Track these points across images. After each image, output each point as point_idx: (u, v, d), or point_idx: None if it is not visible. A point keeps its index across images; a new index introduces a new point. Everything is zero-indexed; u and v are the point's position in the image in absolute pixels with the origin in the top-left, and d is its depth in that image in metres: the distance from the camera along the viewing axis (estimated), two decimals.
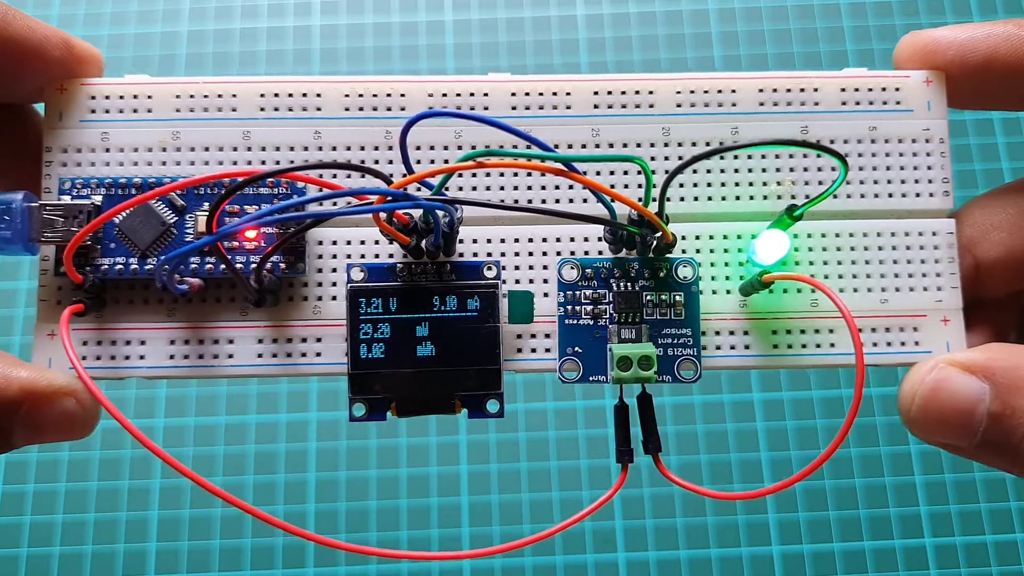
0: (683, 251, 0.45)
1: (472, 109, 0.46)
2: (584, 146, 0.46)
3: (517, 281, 0.44)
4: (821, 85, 0.45)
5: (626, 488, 0.85)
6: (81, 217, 0.43)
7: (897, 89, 0.47)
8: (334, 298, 0.44)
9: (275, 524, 0.39)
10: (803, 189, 0.45)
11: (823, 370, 0.89)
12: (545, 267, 0.45)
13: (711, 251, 0.45)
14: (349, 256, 0.44)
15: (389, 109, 0.46)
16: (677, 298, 0.43)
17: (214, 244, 0.39)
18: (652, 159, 0.42)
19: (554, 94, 0.46)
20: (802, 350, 0.44)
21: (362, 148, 0.45)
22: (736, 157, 0.46)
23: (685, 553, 0.84)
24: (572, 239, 0.45)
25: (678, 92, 0.46)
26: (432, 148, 0.45)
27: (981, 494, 0.85)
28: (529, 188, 0.45)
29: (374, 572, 0.83)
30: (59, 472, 0.86)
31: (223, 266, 0.42)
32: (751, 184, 0.46)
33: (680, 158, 0.46)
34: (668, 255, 0.44)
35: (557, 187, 0.46)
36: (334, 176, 0.45)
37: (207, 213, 0.39)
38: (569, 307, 0.43)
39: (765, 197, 0.46)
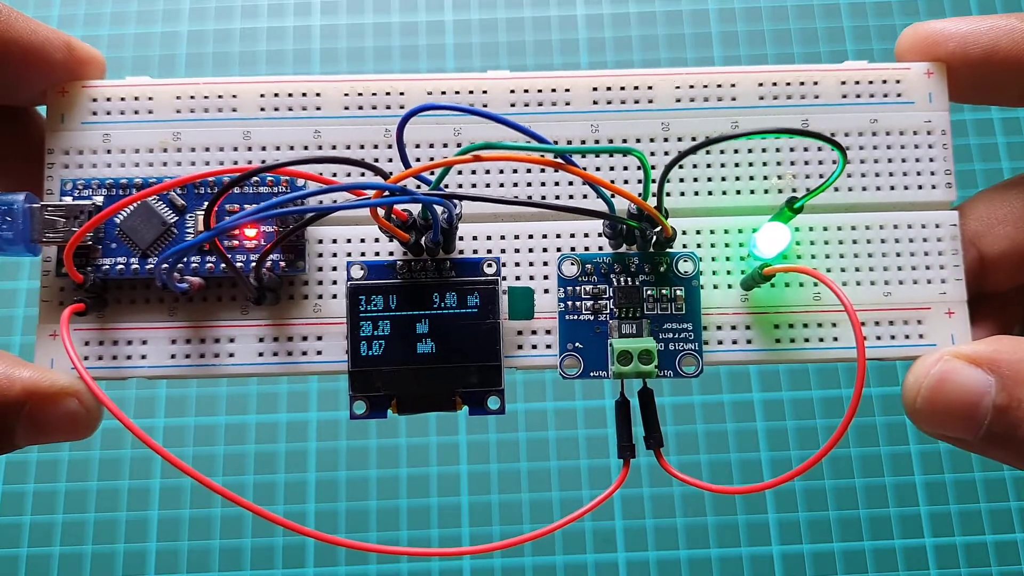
0: (683, 245, 0.45)
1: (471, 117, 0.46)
2: (584, 141, 0.46)
3: (517, 278, 0.44)
4: (821, 78, 0.45)
5: (626, 488, 0.85)
6: (82, 217, 0.43)
7: (898, 81, 0.46)
8: (334, 296, 0.44)
9: (304, 532, 0.39)
10: (803, 183, 0.45)
11: (824, 370, 0.89)
12: (545, 263, 0.45)
13: (712, 245, 0.45)
14: (349, 255, 0.44)
15: (388, 108, 0.46)
16: (678, 292, 0.43)
17: (213, 241, 0.39)
18: (652, 154, 0.42)
19: (553, 90, 0.46)
20: (804, 344, 0.44)
21: (362, 147, 0.45)
22: (736, 151, 0.46)
23: (685, 553, 0.84)
24: (572, 235, 0.45)
25: (677, 87, 0.46)
26: (431, 146, 0.45)
27: (981, 494, 0.85)
28: (528, 184, 0.45)
29: (374, 572, 0.83)
30: (59, 472, 0.86)
31: (223, 265, 0.42)
32: (751, 178, 0.46)
33: (680, 153, 0.46)
34: (668, 250, 0.44)
35: (557, 183, 0.46)
36: (334, 174, 0.44)
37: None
38: (569, 303, 0.43)
39: (766, 191, 0.46)
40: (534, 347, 0.44)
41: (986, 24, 0.45)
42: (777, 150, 0.46)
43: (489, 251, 0.45)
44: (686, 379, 0.43)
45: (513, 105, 0.46)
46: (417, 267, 0.43)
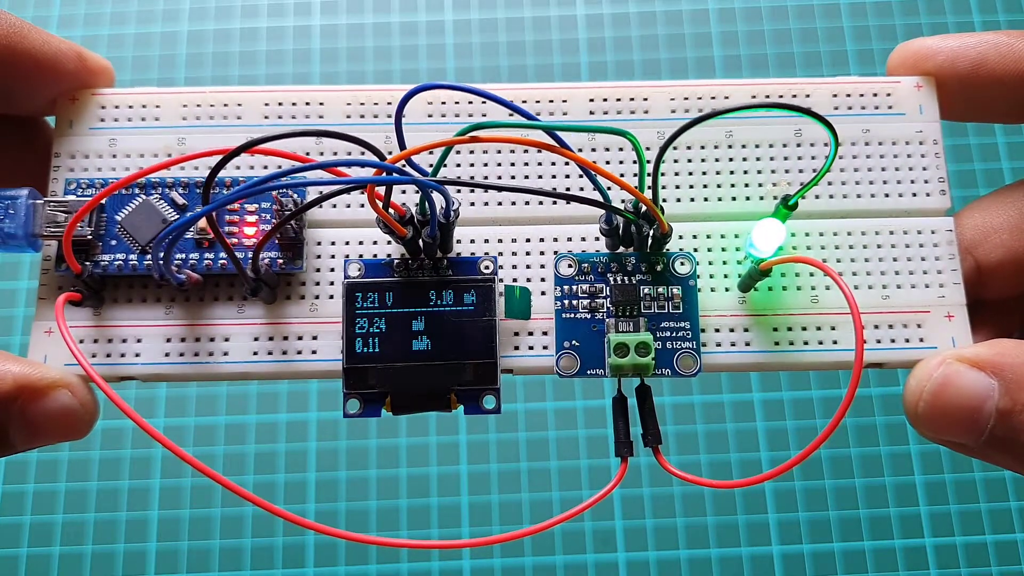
0: (680, 249, 0.45)
1: (470, 117, 0.47)
2: (580, 149, 0.46)
3: (514, 280, 0.44)
4: (813, 90, 0.45)
5: (626, 487, 0.85)
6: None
7: (888, 94, 0.47)
8: (331, 297, 0.44)
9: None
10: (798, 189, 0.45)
11: (824, 371, 0.89)
12: (542, 266, 0.45)
13: (708, 250, 0.45)
14: (347, 256, 0.44)
15: (389, 116, 0.46)
16: (675, 292, 0.43)
17: (210, 219, 0.38)
18: (648, 162, 0.42)
19: (551, 101, 0.47)
20: (804, 346, 0.44)
21: (363, 153, 0.45)
22: (731, 160, 0.46)
23: (685, 553, 0.84)
24: (569, 239, 0.45)
25: (672, 99, 0.47)
26: (431, 153, 0.45)
27: (981, 494, 0.85)
28: (526, 177, 0.46)
29: (374, 572, 0.83)
30: (59, 472, 0.86)
31: (222, 254, 0.42)
32: (747, 185, 0.46)
33: (676, 161, 0.46)
34: (665, 250, 0.44)
35: (555, 188, 0.46)
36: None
37: (211, 230, 0.39)
38: (566, 301, 0.43)
39: (761, 198, 0.46)
40: (531, 348, 0.44)
41: (974, 39, 0.46)
42: (771, 159, 0.46)
43: (487, 253, 0.45)
44: (685, 379, 0.43)
45: (511, 115, 0.46)
46: (414, 266, 0.43)
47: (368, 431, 0.87)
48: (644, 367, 0.42)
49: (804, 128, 0.47)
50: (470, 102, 0.47)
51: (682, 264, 0.44)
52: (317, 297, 0.44)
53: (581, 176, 0.46)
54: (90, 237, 0.43)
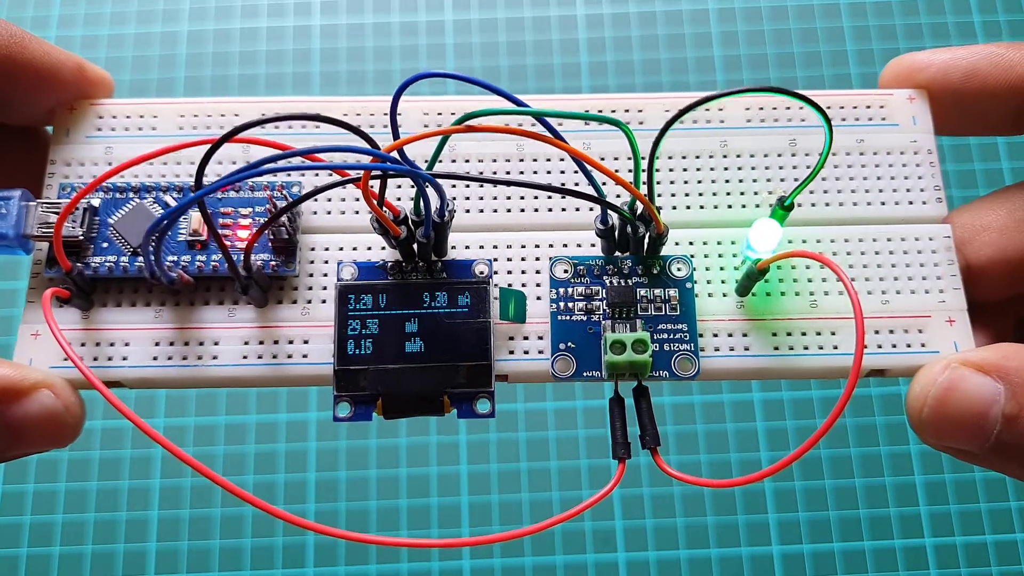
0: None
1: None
2: (575, 171, 0.46)
3: (509, 285, 0.44)
4: (806, 105, 0.45)
5: (626, 487, 0.85)
6: (76, 213, 0.43)
7: (881, 106, 0.47)
8: (324, 301, 0.44)
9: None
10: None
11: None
12: (537, 272, 0.44)
13: (705, 256, 0.45)
14: (341, 262, 0.44)
15: (386, 127, 0.46)
16: (672, 294, 0.43)
17: (201, 207, 0.38)
18: (643, 171, 0.42)
19: None
20: (804, 351, 0.43)
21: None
22: (727, 168, 0.46)
23: (685, 553, 0.84)
24: (564, 245, 0.45)
25: (667, 111, 0.47)
26: (426, 161, 0.45)
27: (981, 494, 0.85)
28: (522, 198, 0.46)
29: (374, 572, 0.83)
30: (59, 472, 0.86)
31: (214, 256, 0.42)
32: (742, 194, 0.46)
33: (671, 170, 0.46)
34: (661, 253, 0.44)
35: (550, 196, 0.46)
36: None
37: (202, 216, 0.39)
38: (561, 304, 0.43)
39: (757, 206, 0.46)
40: (525, 352, 0.43)
41: (965, 51, 0.46)
42: (767, 168, 0.47)
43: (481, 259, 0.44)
44: (683, 381, 0.43)
45: (507, 123, 0.46)
46: (408, 269, 0.43)
47: (368, 431, 0.87)
48: (641, 365, 0.41)
49: (799, 138, 0.47)
50: (452, 113, 0.47)
51: (679, 268, 0.43)
52: (309, 301, 0.44)
53: (577, 184, 0.45)
54: (81, 238, 0.43)
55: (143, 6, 1.01)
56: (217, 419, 0.87)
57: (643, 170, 0.40)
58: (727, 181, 0.46)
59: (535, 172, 0.46)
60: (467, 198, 0.46)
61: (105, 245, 0.43)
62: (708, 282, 0.44)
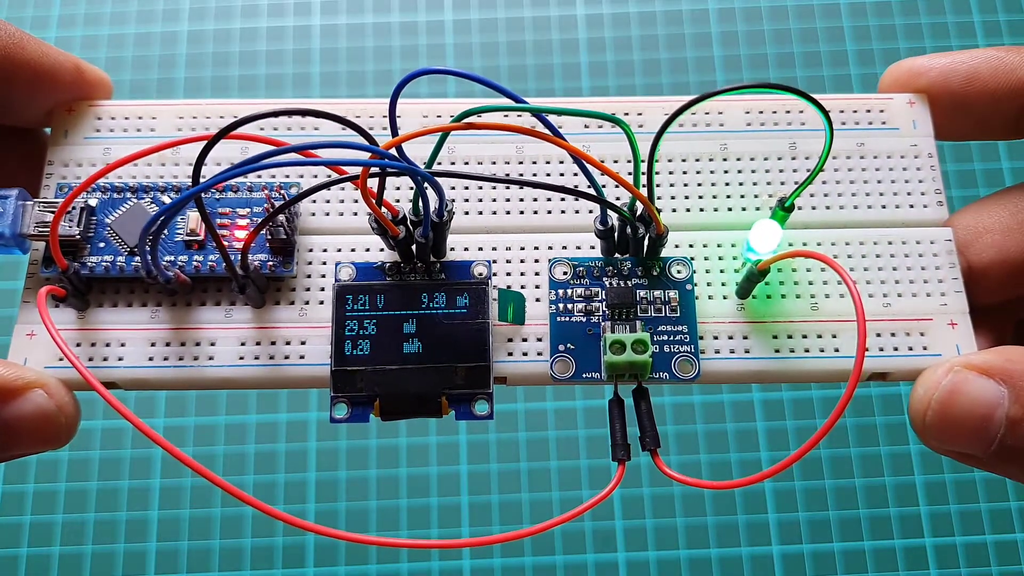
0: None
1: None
2: (576, 174, 0.46)
3: (508, 286, 0.44)
4: (807, 106, 0.45)
5: (626, 488, 0.85)
6: (73, 213, 0.43)
7: (882, 111, 0.47)
8: (321, 302, 0.44)
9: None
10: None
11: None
12: (537, 274, 0.44)
13: (705, 258, 0.45)
14: (339, 262, 0.44)
15: (385, 129, 0.46)
16: (672, 295, 0.43)
17: (198, 202, 0.38)
18: (643, 173, 0.42)
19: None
20: (804, 354, 0.43)
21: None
22: (726, 172, 0.46)
23: (685, 553, 0.84)
24: (564, 247, 0.45)
25: (666, 113, 0.46)
26: (424, 163, 0.45)
27: (981, 494, 0.85)
28: (521, 199, 0.46)
29: (374, 572, 0.83)
30: (59, 472, 0.86)
31: (211, 256, 0.42)
32: (742, 196, 0.46)
33: (671, 173, 0.46)
34: (660, 255, 0.44)
35: (549, 199, 0.46)
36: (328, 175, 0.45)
37: (198, 211, 0.39)
38: (560, 305, 0.43)
39: (757, 208, 0.46)
40: (524, 354, 0.43)
41: (966, 55, 0.46)
42: (767, 171, 0.46)
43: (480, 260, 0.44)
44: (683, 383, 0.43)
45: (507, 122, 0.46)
46: (407, 270, 0.43)
47: (368, 432, 0.87)
48: (641, 366, 0.41)
49: (799, 141, 0.47)
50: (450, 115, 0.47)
51: (678, 269, 0.43)
52: (307, 302, 0.44)
53: (577, 185, 0.45)
54: (78, 237, 0.43)
55: (143, 6, 1.01)
56: (217, 419, 0.87)
57: (643, 172, 0.40)
58: (727, 183, 0.46)
59: (534, 174, 0.46)
60: (466, 199, 0.46)
61: (102, 245, 0.43)
62: (708, 284, 0.44)
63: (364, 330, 0.42)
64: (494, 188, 0.46)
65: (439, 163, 0.45)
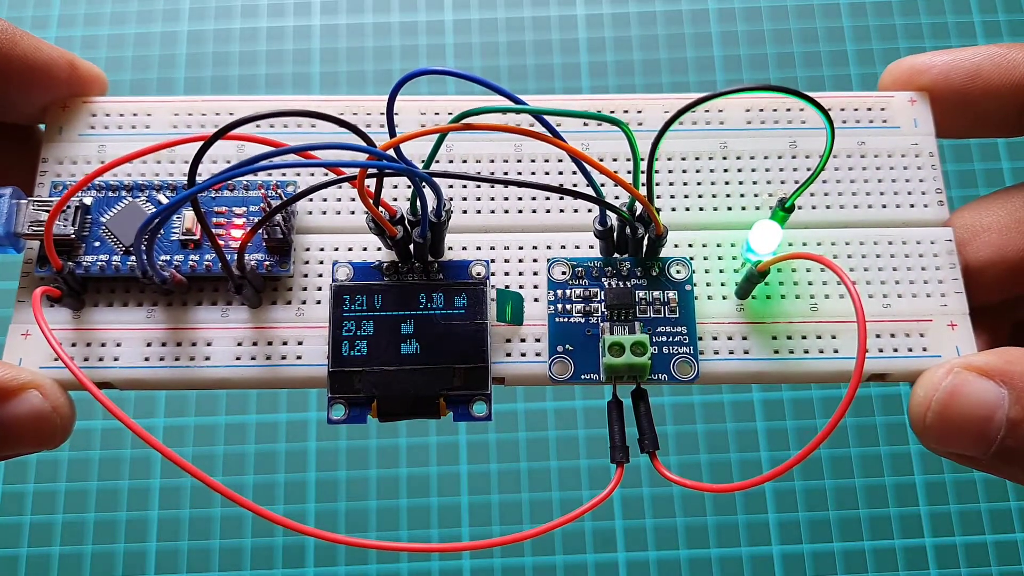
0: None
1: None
2: (574, 173, 0.46)
3: (507, 286, 0.44)
4: (807, 105, 0.45)
5: (626, 488, 0.85)
6: (68, 212, 0.43)
7: (882, 109, 0.47)
8: (318, 302, 0.43)
9: (303, 531, 0.39)
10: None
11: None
12: (535, 273, 0.44)
13: (705, 258, 0.45)
14: (336, 262, 0.44)
15: (383, 127, 0.46)
16: (671, 296, 0.43)
17: (194, 204, 0.38)
18: (642, 172, 0.41)
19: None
20: (804, 355, 0.43)
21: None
22: (726, 171, 0.46)
23: (685, 553, 0.84)
24: (562, 247, 0.45)
25: (666, 112, 0.46)
26: (423, 161, 0.45)
27: (981, 494, 0.85)
28: (520, 199, 0.46)
29: (374, 572, 0.83)
30: (59, 472, 0.86)
31: (207, 256, 0.42)
32: (742, 195, 0.46)
33: (671, 172, 0.46)
34: (660, 255, 0.43)
35: (547, 198, 0.46)
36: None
37: (195, 213, 0.39)
38: (559, 305, 0.43)
39: (757, 208, 0.46)
40: (523, 355, 0.43)
41: (968, 52, 0.46)
42: (767, 170, 0.46)
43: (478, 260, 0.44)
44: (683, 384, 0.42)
45: (506, 122, 0.45)
46: (404, 270, 0.43)
47: (368, 432, 0.87)
48: (640, 368, 0.41)
49: (799, 139, 0.47)
50: (449, 112, 0.47)
51: (678, 270, 0.43)
52: (304, 302, 0.43)
53: (576, 185, 0.45)
54: (73, 236, 0.43)
55: (143, 6, 1.01)
56: (217, 419, 0.87)
57: (642, 171, 0.40)
58: (727, 183, 0.46)
59: (533, 173, 0.46)
60: (464, 198, 0.46)
61: (97, 244, 0.43)
62: (708, 284, 0.44)
63: (361, 331, 0.41)
64: (492, 187, 0.46)
65: (437, 162, 0.45)
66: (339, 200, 0.45)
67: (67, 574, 0.83)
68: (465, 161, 0.46)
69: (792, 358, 0.43)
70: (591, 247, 0.44)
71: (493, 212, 0.45)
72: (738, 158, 0.46)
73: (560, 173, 0.46)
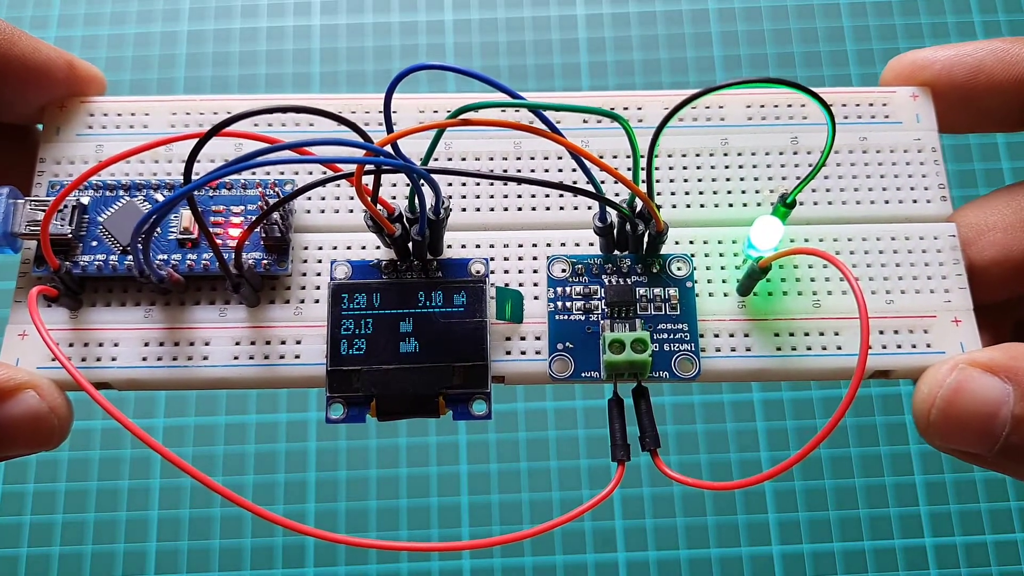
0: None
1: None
2: (574, 170, 0.45)
3: (506, 284, 0.44)
4: (808, 100, 0.44)
5: (626, 487, 0.85)
6: (65, 211, 0.43)
7: (884, 104, 0.47)
8: (317, 301, 0.43)
9: (301, 530, 0.38)
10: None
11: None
12: (535, 271, 0.44)
13: (706, 255, 0.44)
14: (335, 260, 0.43)
15: (380, 124, 0.46)
16: (672, 292, 0.43)
17: (191, 201, 0.37)
18: (642, 168, 0.41)
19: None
20: (807, 352, 0.43)
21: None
22: (727, 167, 0.46)
23: (685, 553, 0.84)
24: (562, 244, 0.44)
25: (666, 108, 0.46)
26: (421, 158, 0.44)
27: (981, 494, 0.85)
28: (519, 196, 0.46)
29: (374, 572, 0.83)
30: (59, 472, 0.86)
31: (205, 255, 0.42)
32: (743, 192, 0.46)
33: (671, 168, 0.46)
34: (661, 251, 0.43)
35: (547, 195, 0.46)
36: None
37: (191, 211, 0.39)
38: (559, 303, 0.43)
39: (758, 204, 0.45)
40: (523, 353, 0.43)
41: (970, 47, 0.45)
42: (768, 165, 0.46)
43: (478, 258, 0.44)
44: (684, 382, 0.42)
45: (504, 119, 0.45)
46: (403, 268, 0.43)
47: (368, 431, 0.87)
48: (641, 365, 0.41)
49: (801, 135, 0.46)
50: (448, 110, 0.46)
51: (679, 267, 0.43)
52: (302, 301, 0.43)
53: (576, 182, 0.45)
54: (70, 236, 0.42)
55: (143, 6, 1.01)
56: (217, 419, 0.87)
57: (642, 167, 0.40)
58: (728, 179, 0.46)
59: (532, 170, 0.46)
60: (463, 196, 0.45)
61: (94, 243, 0.43)
62: (709, 281, 0.44)
63: (360, 329, 0.41)
64: (492, 184, 0.46)
65: (435, 159, 0.44)
66: (337, 198, 0.45)
67: (67, 574, 0.83)
68: (464, 158, 0.46)
69: (794, 355, 0.43)
70: (591, 244, 0.44)
71: (492, 209, 0.45)
72: (739, 154, 0.46)
73: (560, 170, 0.46)
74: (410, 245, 0.42)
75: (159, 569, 0.83)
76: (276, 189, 0.44)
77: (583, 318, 0.42)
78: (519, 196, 0.45)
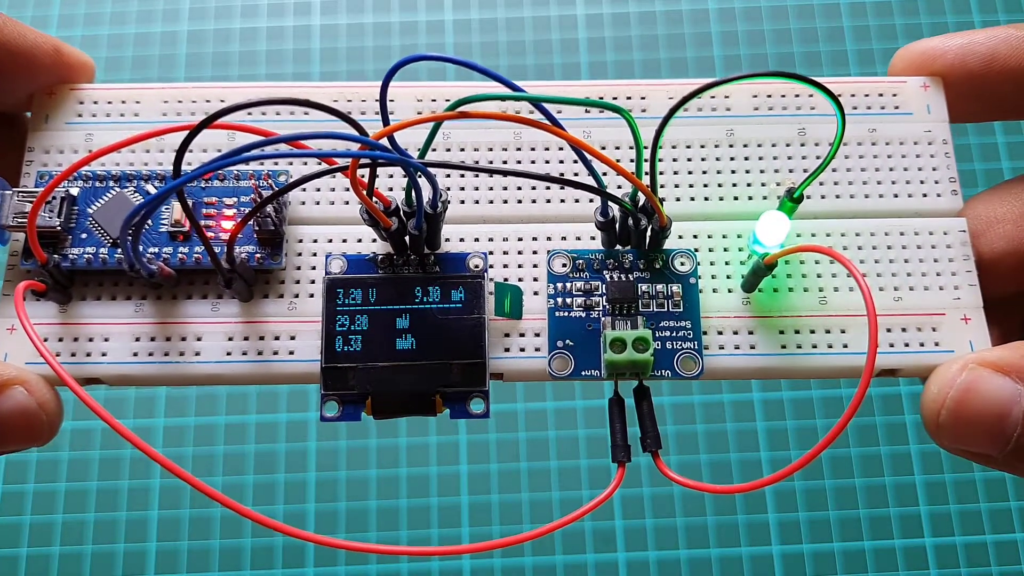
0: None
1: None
2: (575, 161, 0.45)
3: (505, 279, 0.43)
4: (816, 91, 0.43)
5: (626, 488, 0.85)
6: (54, 202, 0.42)
7: (894, 95, 0.46)
8: (311, 296, 0.43)
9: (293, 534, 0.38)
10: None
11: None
12: (535, 266, 0.43)
13: (710, 250, 0.44)
14: (330, 254, 0.43)
15: (377, 113, 0.45)
16: (675, 289, 0.42)
17: (180, 196, 0.37)
18: (645, 161, 0.41)
19: None
20: (812, 350, 0.42)
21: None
22: (733, 159, 0.46)
23: (685, 553, 0.84)
24: (563, 238, 0.44)
25: (670, 98, 0.45)
26: (418, 150, 0.44)
27: (981, 494, 0.85)
28: (519, 188, 0.45)
29: (374, 572, 0.83)
30: (59, 472, 0.86)
31: (197, 248, 0.42)
32: (749, 184, 0.45)
33: (675, 160, 0.46)
34: (664, 247, 0.43)
35: (548, 188, 0.45)
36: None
37: (180, 205, 0.38)
38: (559, 299, 0.42)
39: (764, 197, 0.45)
40: (522, 349, 0.42)
41: (983, 35, 0.45)
42: (775, 158, 0.46)
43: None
44: (686, 380, 0.42)
45: (504, 111, 0.45)
46: (400, 262, 0.42)
47: (367, 431, 0.87)
48: (642, 365, 0.41)
49: (808, 126, 0.46)
50: (447, 99, 0.46)
51: (682, 262, 0.42)
52: (296, 296, 0.43)
53: (577, 174, 0.45)
54: (59, 228, 0.42)
55: (143, 6, 1.01)
56: (217, 419, 0.87)
57: (645, 160, 0.39)
58: (733, 172, 0.45)
59: (533, 162, 0.46)
60: (461, 188, 0.45)
61: (84, 236, 0.42)
62: (713, 277, 0.43)
63: (356, 325, 0.41)
64: (491, 177, 0.45)
65: (434, 150, 0.44)
66: (332, 190, 0.45)
67: (67, 574, 0.83)
68: (463, 149, 0.46)
69: (800, 353, 0.42)
70: (592, 239, 0.44)
71: (491, 202, 0.45)
72: (745, 146, 0.46)
73: (561, 162, 0.46)
74: (407, 239, 0.41)
75: (159, 569, 0.83)
76: (270, 180, 0.43)
77: (584, 315, 0.42)
78: (519, 188, 0.45)
